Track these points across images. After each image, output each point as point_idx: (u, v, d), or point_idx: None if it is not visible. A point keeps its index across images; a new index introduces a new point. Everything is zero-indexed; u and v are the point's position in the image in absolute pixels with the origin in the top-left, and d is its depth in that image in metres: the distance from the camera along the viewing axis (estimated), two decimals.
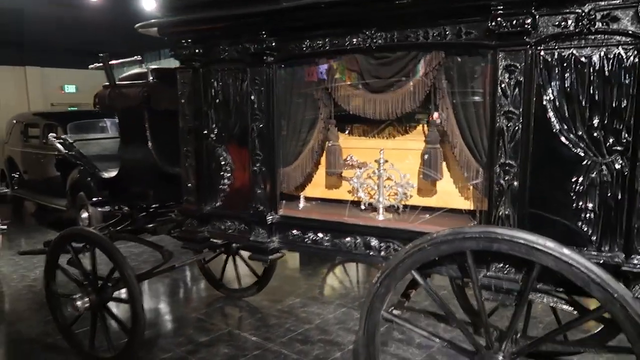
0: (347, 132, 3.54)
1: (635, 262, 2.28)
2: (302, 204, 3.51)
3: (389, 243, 2.97)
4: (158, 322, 5.24)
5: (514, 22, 2.39)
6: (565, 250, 2.17)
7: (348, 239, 3.12)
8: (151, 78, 4.10)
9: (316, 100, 3.25)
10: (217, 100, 3.53)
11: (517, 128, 2.47)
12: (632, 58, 2.24)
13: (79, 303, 4.02)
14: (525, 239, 2.25)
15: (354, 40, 2.91)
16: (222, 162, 3.57)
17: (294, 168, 3.40)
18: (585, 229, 2.43)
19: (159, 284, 6.35)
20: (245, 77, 3.32)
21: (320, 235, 3.22)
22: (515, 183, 2.52)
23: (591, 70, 2.34)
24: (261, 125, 3.26)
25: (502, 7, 2.41)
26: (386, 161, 3.14)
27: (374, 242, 3.02)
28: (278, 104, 3.29)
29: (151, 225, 4.42)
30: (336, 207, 3.45)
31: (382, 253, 2.98)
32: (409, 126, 3.25)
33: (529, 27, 2.37)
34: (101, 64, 4.16)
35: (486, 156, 2.66)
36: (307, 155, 3.35)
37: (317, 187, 3.61)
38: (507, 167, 2.52)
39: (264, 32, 3.12)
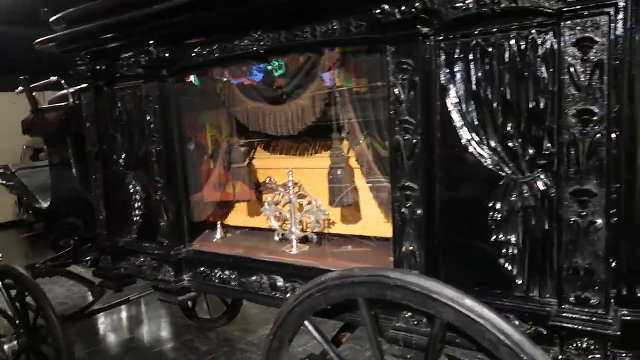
0: (270, 149, 3.07)
1: (566, 314, 1.71)
2: (219, 234, 3.05)
3: (295, 284, 2.48)
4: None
5: (403, 7, 1.88)
6: (467, 301, 1.63)
7: (254, 278, 2.64)
8: (72, 100, 3.76)
9: (218, 117, 2.81)
10: (122, 122, 3.14)
11: (415, 141, 1.95)
12: (549, 43, 1.70)
13: (6, 347, 3.69)
14: (418, 285, 1.73)
15: (242, 44, 2.45)
16: (132, 191, 3.17)
17: (205, 195, 2.96)
18: (509, 267, 1.88)
19: (127, 314, 6.03)
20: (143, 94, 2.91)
21: (227, 273, 2.76)
22: (419, 211, 1.98)
23: (501, 63, 1.80)
24: (159, 149, 2.84)
25: None
26: (296, 184, 2.65)
27: (280, 282, 2.53)
28: (179, 123, 2.87)
29: (88, 259, 4.06)
30: (259, 237, 2.98)
31: (289, 296, 2.49)
32: (326, 141, 2.74)
33: (422, 12, 1.85)
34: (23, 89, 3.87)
35: None
36: (216, 180, 2.90)
37: (240, 215, 3.16)
38: (408, 192, 1.99)
39: (152, 42, 2.71)
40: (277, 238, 2.76)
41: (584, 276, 1.67)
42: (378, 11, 1.93)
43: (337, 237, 2.77)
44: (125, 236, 3.30)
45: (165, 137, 2.83)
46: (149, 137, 2.88)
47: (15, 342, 3.68)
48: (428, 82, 1.93)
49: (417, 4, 1.84)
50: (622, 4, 1.58)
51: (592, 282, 1.66)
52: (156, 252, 2.99)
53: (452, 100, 1.90)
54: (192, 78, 2.86)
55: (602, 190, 1.61)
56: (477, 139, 1.87)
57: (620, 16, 1.60)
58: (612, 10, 1.54)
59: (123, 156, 3.18)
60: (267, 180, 2.91)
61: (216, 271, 2.81)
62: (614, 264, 1.67)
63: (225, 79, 2.68)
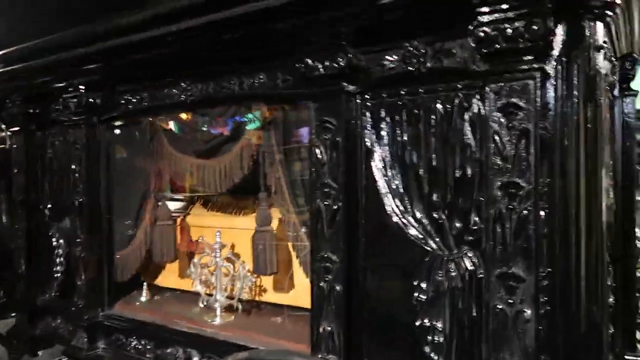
0: (208, 206, 2.86)
1: None
2: (144, 296, 2.78)
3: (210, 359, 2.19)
4: None
5: (327, 62, 1.73)
6: None
7: (169, 350, 2.35)
8: (9, 143, 3.55)
9: (146, 169, 2.61)
10: (51, 170, 2.92)
11: (336, 207, 1.75)
12: (475, 108, 1.54)
13: None
14: None
15: (171, 93, 2.29)
16: (55, 244, 2.91)
17: (129, 253, 2.71)
18: (434, 357, 1.63)
19: None
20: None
21: (143, 342, 2.47)
22: (338, 287, 1.75)
23: (427, 127, 1.64)
24: (81, 200, 2.61)
25: (311, 44, 1.77)
26: (224, 246, 2.42)
27: (195, 357, 2.24)
28: (108, 174, 2.66)
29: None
30: (188, 301, 2.71)
31: None
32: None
33: (346, 68, 1.71)
34: None
35: None
36: (142, 237, 2.66)
37: (171, 275, 2.90)
38: (327, 263, 1.77)
39: (82, 87, 2.55)
40: (201, 304, 2.49)
41: None
42: (303, 65, 1.79)
43: (268, 306, 2.52)
44: (44, 294, 3.00)
45: (89, 187, 2.61)
46: (74, 187, 2.66)
47: None
48: (352, 143, 1.75)
49: (341, 60, 1.70)
50: (550, 70, 1.45)
51: None
52: (71, 315, 2.69)
53: (377, 163, 1.73)
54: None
55: (531, 275, 1.41)
56: (401, 208, 1.68)
57: (551, 82, 1.46)
58: (538, 75, 1.39)
59: (49, 206, 2.94)
60: (199, 239, 2.67)
61: (132, 340, 2.51)
62: None
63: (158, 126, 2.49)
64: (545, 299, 1.44)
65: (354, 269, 1.76)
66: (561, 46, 1.46)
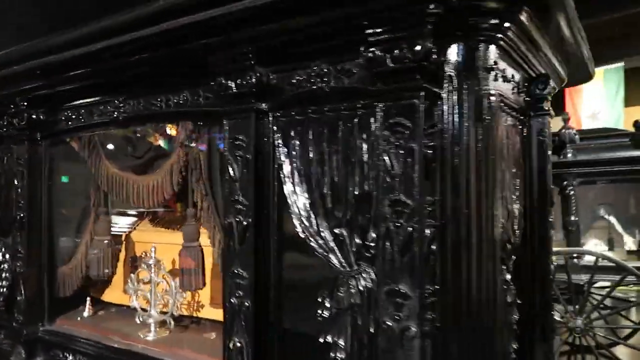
0: (154, 222, 2.88)
1: None
2: (86, 312, 2.78)
3: None
4: None
5: (238, 80, 1.77)
6: None
7: None
8: None
9: (86, 185, 2.63)
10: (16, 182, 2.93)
11: (246, 224, 1.77)
12: (373, 127, 1.57)
13: None
14: None
15: (106, 110, 2.33)
16: (1, 259, 2.91)
17: (71, 268, 2.71)
18: None
19: None
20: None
21: (78, 358, 2.47)
22: (247, 302, 1.77)
23: (331, 145, 1.67)
24: (22, 215, 2.63)
25: (223, 64, 1.81)
26: (158, 261, 2.44)
27: None
28: (49, 190, 2.67)
29: None
30: (130, 317, 2.70)
31: None
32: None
33: (256, 86, 1.74)
34: None
35: None
36: (82, 252, 2.67)
37: (116, 290, 2.90)
38: (237, 279, 1.79)
39: (23, 103, 2.58)
40: (137, 320, 2.49)
41: None
42: (213, 83, 1.83)
43: (206, 322, 2.53)
44: None
45: (30, 203, 2.62)
46: (16, 203, 2.67)
47: None
48: (263, 160, 1.78)
49: (250, 78, 1.74)
50: (440, 90, 1.49)
51: None
52: (12, 330, 2.69)
53: (287, 181, 1.75)
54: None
55: (415, 292, 1.42)
56: (308, 224, 1.70)
57: (442, 102, 1.50)
58: (422, 95, 1.43)
59: None
60: (142, 255, 2.68)
61: (68, 355, 2.51)
62: None
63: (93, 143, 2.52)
64: (432, 316, 1.46)
65: (263, 285, 1.78)
66: (453, 67, 1.51)
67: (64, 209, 2.71)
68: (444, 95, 1.51)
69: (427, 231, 1.44)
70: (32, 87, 2.50)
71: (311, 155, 1.70)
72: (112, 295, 2.93)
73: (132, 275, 2.52)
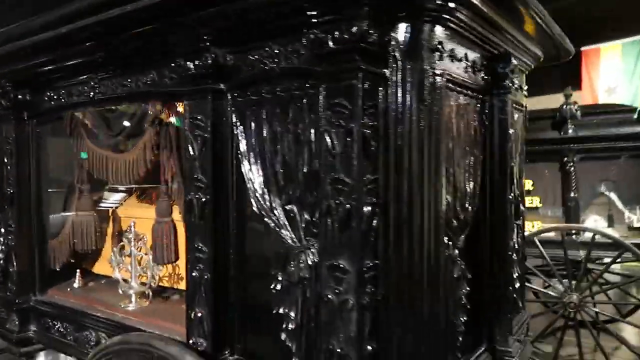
0: (141, 198, 2.97)
1: None
2: (77, 283, 2.91)
3: None
4: None
5: (196, 62, 1.81)
6: None
7: (85, 333, 2.48)
8: None
9: (72, 162, 2.73)
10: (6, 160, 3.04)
11: (205, 200, 1.84)
12: (306, 104, 1.61)
13: None
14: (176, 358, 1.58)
15: (83, 91, 2.40)
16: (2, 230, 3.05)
17: (60, 242, 2.83)
18: (288, 344, 1.71)
19: None
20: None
21: (65, 325, 2.60)
22: (207, 275, 1.85)
23: (283, 124, 1.71)
24: (12, 191, 2.74)
25: (183, 44, 1.85)
26: (138, 235, 2.53)
27: (103, 340, 2.36)
28: (38, 167, 2.77)
29: None
30: (116, 288, 2.82)
31: None
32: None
33: (211, 68, 1.78)
34: None
35: None
36: (70, 227, 2.78)
37: (106, 263, 3.01)
38: (198, 253, 1.87)
39: (8, 84, 2.66)
40: (120, 291, 2.60)
41: None
42: (173, 65, 1.87)
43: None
44: None
45: (19, 180, 2.73)
46: (6, 180, 2.79)
47: None
48: (222, 139, 1.84)
49: (207, 59, 1.78)
50: (384, 71, 1.51)
51: None
52: (6, 299, 2.84)
53: (243, 159, 1.80)
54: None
55: (354, 266, 1.48)
56: (263, 201, 1.76)
57: (386, 83, 1.52)
58: (361, 75, 1.45)
59: None
60: (127, 229, 2.78)
61: (56, 323, 2.65)
62: (370, 349, 1.50)
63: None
64: (372, 289, 1.51)
65: (223, 259, 1.85)
66: (397, 48, 1.52)
67: (52, 186, 2.81)
68: (389, 76, 1.53)
69: (366, 209, 1.48)
70: (15, 68, 2.57)
71: (265, 134, 1.75)
72: (102, 267, 3.04)
73: (114, 248, 2.63)
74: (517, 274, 2.27)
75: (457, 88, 1.69)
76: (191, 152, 1.86)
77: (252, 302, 1.86)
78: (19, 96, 2.67)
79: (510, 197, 1.99)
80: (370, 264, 1.51)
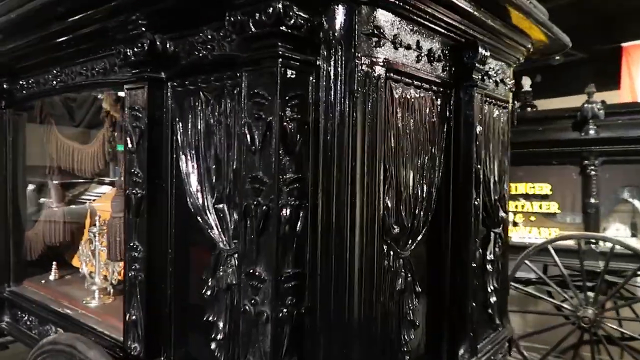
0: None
1: None
2: (52, 275, 2.87)
3: None
4: None
5: (133, 48, 1.71)
6: None
7: (47, 327, 2.44)
8: None
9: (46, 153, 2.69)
10: None
11: (140, 196, 1.73)
12: (236, 94, 1.48)
13: None
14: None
15: (48, 79, 2.34)
16: None
17: (35, 233, 2.81)
18: (218, 354, 1.59)
19: None
20: None
21: (32, 319, 2.57)
22: (141, 276, 1.74)
23: (216, 116, 1.58)
24: None
25: (119, 30, 1.75)
26: (103, 230, 2.46)
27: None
28: (14, 157, 2.75)
29: None
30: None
31: None
32: None
33: (147, 55, 1.67)
34: None
35: None
36: (42, 219, 2.75)
37: None
38: (134, 253, 1.76)
39: None
40: (85, 286, 2.55)
41: None
42: (115, 50, 1.77)
43: None
44: None
45: None
46: None
47: None
48: (159, 132, 1.73)
49: (143, 45, 1.67)
50: (310, 58, 1.36)
51: None
52: None
53: (181, 153, 1.69)
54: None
55: (270, 274, 1.33)
56: (196, 199, 1.64)
57: (314, 73, 1.37)
58: (280, 62, 1.30)
59: None
60: (97, 223, 2.73)
61: (24, 315, 2.62)
62: None
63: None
64: (292, 300, 1.37)
65: (159, 259, 1.74)
66: (328, 33, 1.37)
67: (29, 176, 2.78)
68: (320, 64, 1.37)
69: (285, 211, 1.33)
70: None
71: (199, 127, 1.62)
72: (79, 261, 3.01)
73: (82, 242, 2.57)
74: (492, 287, 2.08)
75: (405, 79, 1.51)
76: (129, 145, 1.76)
77: (190, 306, 1.75)
78: None
79: (476, 202, 1.80)
80: (291, 272, 1.36)
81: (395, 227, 1.48)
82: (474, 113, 1.75)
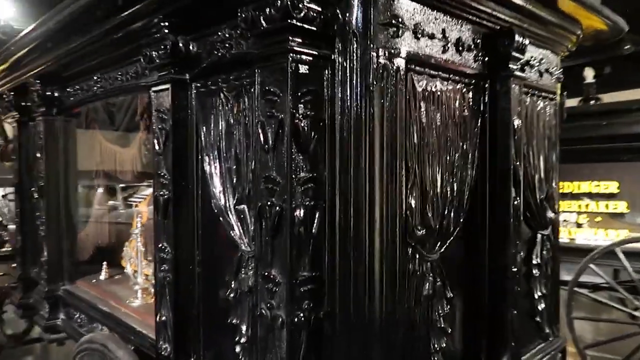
0: None
1: None
2: (103, 275, 2.99)
3: None
4: None
5: (157, 51, 1.72)
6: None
7: (94, 325, 2.53)
8: None
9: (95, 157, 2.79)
10: (37, 155, 3.23)
11: (167, 197, 1.74)
12: (254, 93, 1.43)
13: None
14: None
15: (90, 86, 2.43)
16: (39, 223, 3.23)
17: (86, 234, 2.93)
18: (242, 358, 1.56)
19: None
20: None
21: (82, 317, 2.68)
22: (169, 277, 1.75)
23: (236, 116, 1.56)
24: (42, 185, 2.88)
25: (143, 33, 1.78)
26: (145, 230, 2.52)
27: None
28: (66, 161, 2.88)
29: None
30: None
31: None
32: None
33: (169, 56, 1.68)
34: None
35: None
36: (92, 221, 2.86)
37: None
38: (162, 254, 1.78)
39: (37, 81, 2.79)
40: (130, 285, 2.62)
41: None
42: (143, 54, 1.80)
43: None
44: (35, 267, 3.35)
45: (49, 174, 2.85)
46: (37, 173, 2.93)
47: None
48: (184, 133, 1.73)
49: (166, 47, 1.67)
50: (322, 53, 1.30)
51: None
52: (38, 288, 3.00)
53: (204, 155, 1.68)
54: None
55: (285, 277, 1.29)
56: (218, 200, 1.62)
57: (339, 66, 1.30)
58: (291, 57, 1.26)
59: (33, 189, 3.25)
60: (138, 224, 2.80)
61: (76, 313, 2.73)
62: None
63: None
64: (309, 305, 1.31)
65: (185, 260, 1.74)
66: (347, 26, 1.30)
67: (80, 179, 2.91)
68: (335, 58, 1.31)
69: (299, 212, 1.28)
70: (41, 65, 2.68)
71: (220, 127, 1.61)
72: None
73: (126, 243, 2.64)
74: (539, 294, 1.93)
75: (429, 71, 1.42)
76: (156, 147, 1.77)
77: (217, 308, 1.73)
78: (47, 92, 2.78)
79: (516, 202, 1.66)
80: (307, 275, 1.31)
81: (420, 228, 1.39)
82: (511, 106, 1.62)
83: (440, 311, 1.48)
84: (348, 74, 1.29)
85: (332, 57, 1.31)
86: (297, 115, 1.27)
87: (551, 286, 2.02)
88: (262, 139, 1.32)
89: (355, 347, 1.32)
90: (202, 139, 1.68)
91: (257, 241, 1.36)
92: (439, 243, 1.47)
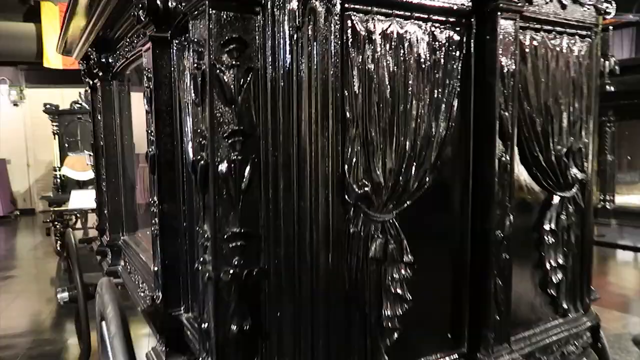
0: None
1: None
2: None
3: None
4: None
5: (140, 9, 1.74)
6: None
7: (136, 276, 2.75)
8: None
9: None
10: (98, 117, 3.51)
11: (153, 154, 1.79)
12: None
13: None
14: None
15: (127, 51, 2.56)
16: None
17: (140, 190, 3.17)
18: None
19: None
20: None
21: (132, 265, 2.92)
22: (156, 230, 1.82)
23: (190, 68, 1.54)
24: (102, 145, 3.14)
25: None
26: None
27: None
28: (121, 123, 3.11)
29: None
30: None
31: None
32: None
33: (149, 13, 1.68)
34: None
35: None
36: (142, 180, 3.08)
37: None
38: (153, 208, 1.85)
39: (94, 49, 3.01)
40: None
41: None
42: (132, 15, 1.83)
43: None
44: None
45: (106, 134, 3.11)
46: (98, 134, 3.21)
47: None
48: (166, 92, 1.75)
49: (144, 3, 1.68)
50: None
51: None
52: (103, 239, 3.33)
53: (181, 111, 1.70)
54: None
55: (212, 232, 1.27)
56: (190, 156, 1.63)
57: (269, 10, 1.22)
58: (208, 2, 1.19)
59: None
60: None
61: (128, 262, 2.99)
62: (234, 328, 1.29)
63: None
64: (240, 261, 1.28)
65: (170, 214, 1.79)
66: None
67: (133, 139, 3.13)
68: (265, 2, 1.22)
69: (222, 166, 1.24)
70: (91, 32, 2.87)
71: (187, 84, 1.60)
72: None
73: None
74: (554, 264, 1.69)
75: (379, 10, 1.26)
76: (145, 107, 1.82)
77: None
78: (102, 59, 3.00)
79: (504, 158, 1.44)
80: (236, 231, 1.27)
81: (362, 185, 1.27)
82: (497, 45, 1.39)
83: (395, 275, 1.36)
84: (276, 20, 1.20)
85: (263, 2, 1.22)
86: (219, 65, 1.21)
87: (575, 256, 1.75)
88: (192, 92, 1.29)
89: (291, 305, 1.27)
90: (179, 96, 1.69)
91: (195, 197, 1.36)
92: (395, 202, 1.34)
